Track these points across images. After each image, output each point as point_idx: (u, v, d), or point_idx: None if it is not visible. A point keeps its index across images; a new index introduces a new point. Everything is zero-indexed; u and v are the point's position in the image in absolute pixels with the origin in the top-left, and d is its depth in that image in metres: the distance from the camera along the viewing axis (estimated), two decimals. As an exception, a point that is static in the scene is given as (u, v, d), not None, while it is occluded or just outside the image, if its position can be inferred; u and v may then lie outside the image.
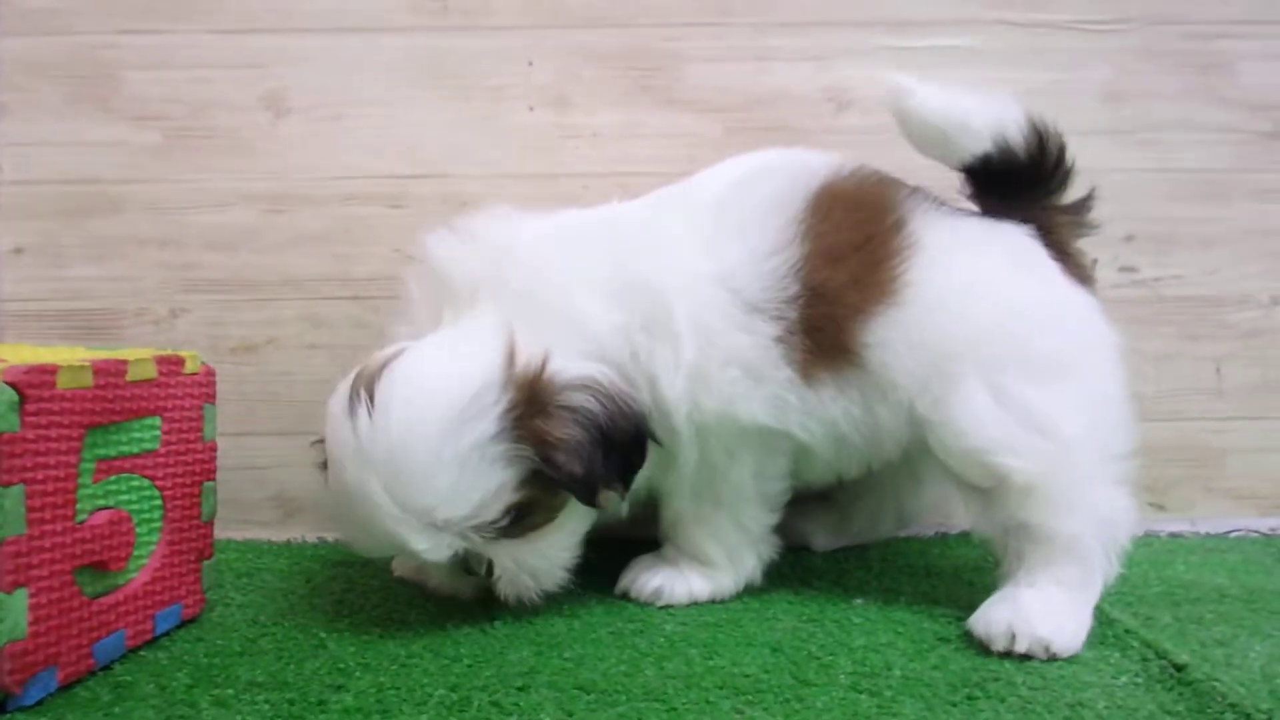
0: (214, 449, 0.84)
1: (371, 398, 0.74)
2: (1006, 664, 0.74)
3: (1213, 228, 1.19)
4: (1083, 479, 0.81)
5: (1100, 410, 0.83)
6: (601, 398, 0.77)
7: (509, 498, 0.75)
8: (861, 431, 0.87)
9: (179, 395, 0.79)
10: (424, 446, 0.72)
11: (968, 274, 0.85)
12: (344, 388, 0.77)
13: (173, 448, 0.78)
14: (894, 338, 0.84)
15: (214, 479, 0.84)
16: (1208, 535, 1.18)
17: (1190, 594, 0.93)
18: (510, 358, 0.76)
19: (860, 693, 0.68)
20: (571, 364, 0.78)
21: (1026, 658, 0.76)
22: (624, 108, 1.16)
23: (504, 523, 0.76)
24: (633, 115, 1.16)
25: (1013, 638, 0.76)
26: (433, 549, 0.74)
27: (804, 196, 0.87)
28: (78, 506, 0.69)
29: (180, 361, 0.80)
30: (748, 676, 0.71)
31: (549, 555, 0.82)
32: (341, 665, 0.73)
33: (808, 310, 0.84)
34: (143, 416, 0.75)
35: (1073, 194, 0.95)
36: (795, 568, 1.01)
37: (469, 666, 0.73)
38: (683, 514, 0.91)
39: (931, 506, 1.14)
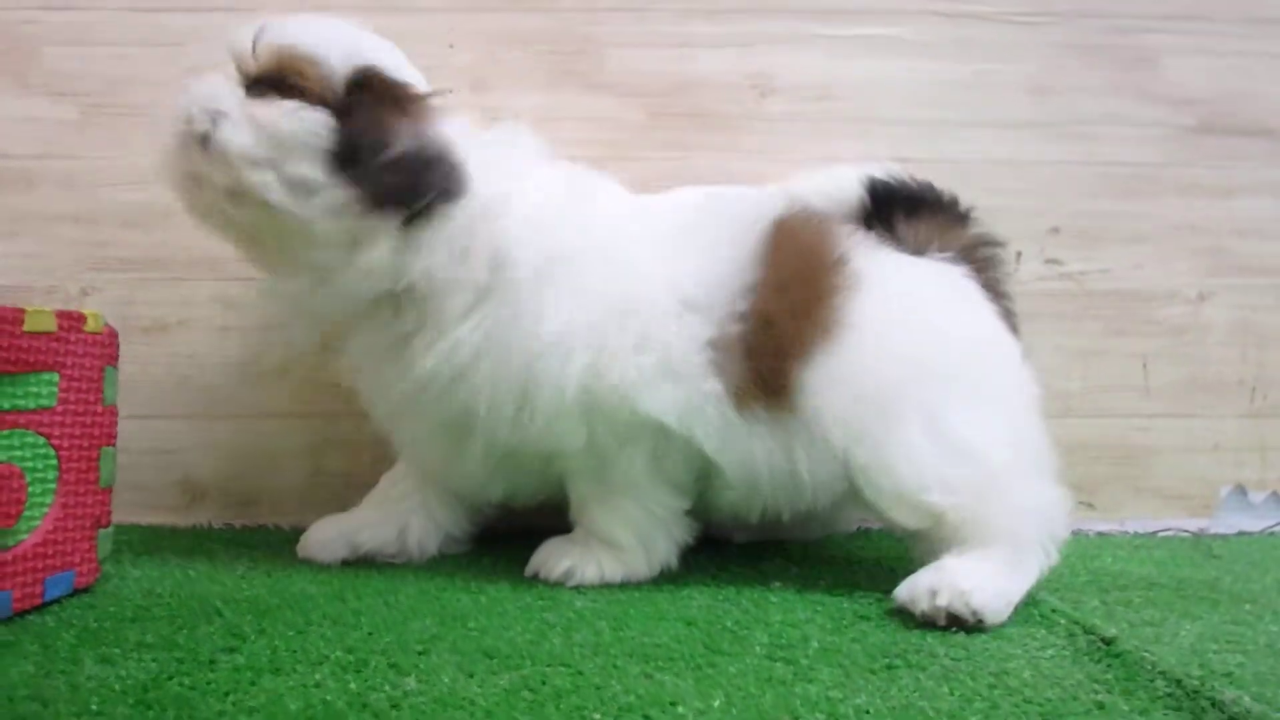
0: (114, 413, 0.85)
1: None
2: (929, 637, 0.77)
3: (1140, 222, 1.25)
4: (1012, 496, 0.85)
5: (1024, 436, 0.89)
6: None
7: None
8: (777, 478, 0.90)
9: (79, 353, 0.80)
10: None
11: (905, 311, 0.90)
12: None
13: (70, 407, 0.79)
14: (833, 376, 0.87)
15: (114, 444, 0.85)
16: (1135, 534, 1.22)
17: (1118, 582, 0.97)
18: None
19: (776, 661, 0.70)
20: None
21: (949, 630, 0.78)
22: (546, 91, 1.20)
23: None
24: (554, 99, 1.20)
25: (934, 594, 0.79)
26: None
27: (763, 227, 0.91)
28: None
29: (81, 319, 0.81)
30: (659, 646, 0.73)
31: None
32: (236, 630, 0.74)
33: (753, 335, 0.88)
34: (39, 371, 0.76)
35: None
36: (713, 556, 1.03)
37: (369, 634, 0.74)
38: (586, 496, 0.93)
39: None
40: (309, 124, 0.82)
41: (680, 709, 0.60)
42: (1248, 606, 0.88)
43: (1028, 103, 1.23)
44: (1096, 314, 1.24)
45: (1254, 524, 1.24)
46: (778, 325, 0.88)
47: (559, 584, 0.92)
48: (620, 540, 0.93)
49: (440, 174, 0.84)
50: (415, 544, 1.00)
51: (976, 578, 0.80)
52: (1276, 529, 1.24)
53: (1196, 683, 0.65)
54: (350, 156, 0.82)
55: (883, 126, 1.22)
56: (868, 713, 0.59)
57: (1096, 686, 0.66)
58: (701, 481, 0.93)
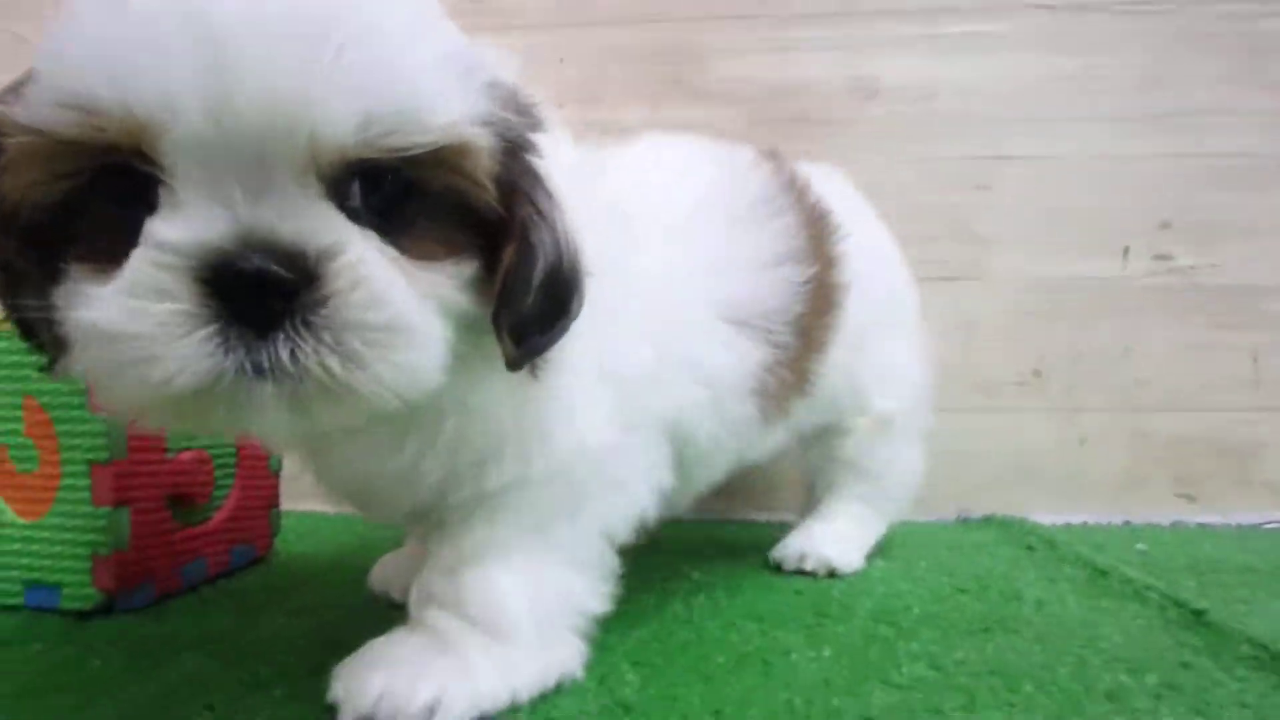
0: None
1: None
2: (1025, 608, 0.87)
3: (1252, 215, 1.30)
4: (916, 423, 1.09)
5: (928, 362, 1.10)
6: (566, 235, 0.57)
7: (459, 120, 0.51)
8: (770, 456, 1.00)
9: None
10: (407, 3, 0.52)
11: (872, 257, 1.01)
12: None
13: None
14: (838, 350, 0.95)
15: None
16: (1239, 526, 1.28)
17: (1216, 567, 1.05)
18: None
19: (880, 624, 0.82)
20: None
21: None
22: (651, 102, 1.33)
23: (432, 137, 0.49)
24: (659, 109, 1.32)
25: (802, 558, 1.01)
26: (336, 114, 0.46)
27: (786, 201, 0.91)
28: (167, 443, 0.86)
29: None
30: (772, 610, 0.86)
31: (425, 309, 0.52)
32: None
33: (795, 343, 0.88)
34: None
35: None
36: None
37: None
38: (472, 549, 0.67)
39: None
40: (469, 280, 0.56)
41: (794, 656, 0.71)
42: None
43: (1136, 95, 1.29)
44: (1205, 308, 1.30)
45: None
46: (808, 325, 0.89)
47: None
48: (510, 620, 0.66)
49: (581, 294, 0.59)
50: None
51: (838, 546, 1.02)
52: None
53: None
54: (501, 294, 0.56)
55: (985, 125, 1.30)
56: (964, 663, 0.70)
57: (1184, 650, 0.75)
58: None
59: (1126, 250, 1.30)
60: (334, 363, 0.47)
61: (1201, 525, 1.28)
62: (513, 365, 0.58)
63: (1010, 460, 1.33)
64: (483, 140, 0.52)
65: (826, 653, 0.73)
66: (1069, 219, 1.30)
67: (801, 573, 1.00)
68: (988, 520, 1.29)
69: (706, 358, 0.79)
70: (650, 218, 0.79)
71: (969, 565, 1.04)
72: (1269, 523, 1.29)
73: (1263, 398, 1.30)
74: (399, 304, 0.50)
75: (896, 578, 0.98)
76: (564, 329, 0.59)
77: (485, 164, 0.52)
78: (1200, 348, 1.31)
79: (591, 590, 0.70)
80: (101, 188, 0.48)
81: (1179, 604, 0.86)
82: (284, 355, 0.47)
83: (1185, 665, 0.71)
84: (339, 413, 0.50)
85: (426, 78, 0.49)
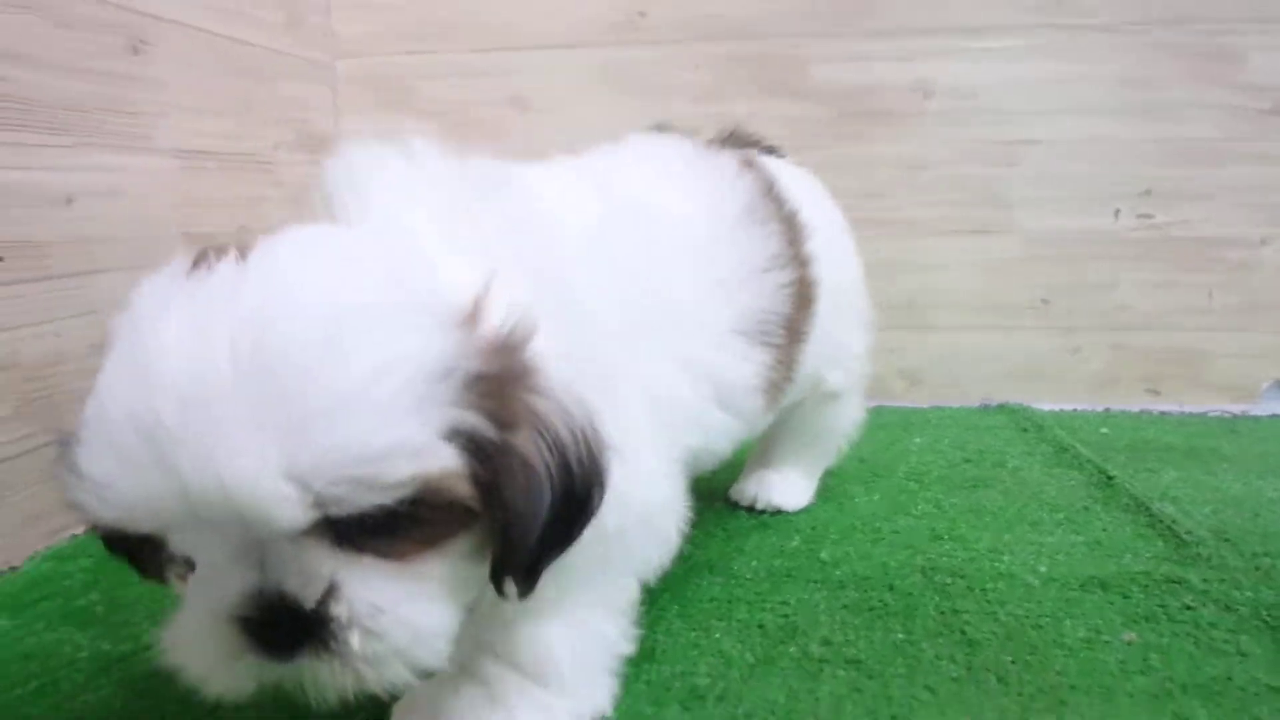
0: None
1: (246, 253, 0.53)
2: (1005, 473, 1.39)
3: (1211, 185, 1.74)
4: (858, 385, 1.22)
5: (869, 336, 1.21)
6: (576, 429, 0.57)
7: (424, 466, 0.50)
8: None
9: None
10: (333, 327, 0.50)
11: (831, 243, 1.06)
12: (173, 264, 0.55)
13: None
14: (815, 337, 1.02)
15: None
16: (1188, 414, 1.77)
17: (1145, 446, 1.53)
18: (485, 295, 0.57)
19: (910, 481, 1.35)
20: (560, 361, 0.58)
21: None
22: (759, 99, 1.79)
23: (390, 502, 0.50)
24: (765, 104, 1.79)
25: (755, 500, 1.22)
26: (285, 500, 0.48)
27: (771, 210, 0.97)
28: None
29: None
30: (829, 472, 1.38)
31: (426, 602, 0.56)
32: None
33: (789, 341, 0.96)
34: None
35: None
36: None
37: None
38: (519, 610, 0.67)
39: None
40: (473, 546, 0.58)
41: (857, 499, 1.26)
42: (1225, 465, 1.44)
43: (1124, 92, 1.72)
44: (1174, 255, 1.76)
45: (1288, 410, 1.77)
46: (794, 323, 0.96)
47: None
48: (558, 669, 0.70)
49: (602, 485, 0.59)
50: None
51: (787, 493, 1.23)
52: (1311, 415, 1.76)
53: (1156, 505, 1.23)
54: (504, 552, 0.58)
55: (1015, 116, 1.75)
56: (955, 505, 1.24)
57: (1088, 498, 1.27)
58: None
59: (1117, 211, 1.76)
60: (349, 680, 0.53)
61: (1162, 413, 1.78)
62: (526, 595, 0.59)
63: (1022, 363, 1.83)
64: (453, 464, 0.51)
65: (876, 497, 1.27)
66: (1073, 186, 1.76)
67: (752, 510, 1.22)
68: (1001, 407, 1.80)
69: (729, 374, 0.85)
70: (667, 238, 0.83)
71: (977, 441, 1.56)
72: (1211, 411, 1.78)
73: (1214, 322, 1.78)
74: (399, 623, 0.53)
75: (926, 450, 1.51)
76: (582, 530, 0.59)
77: (460, 487, 0.52)
78: (1169, 284, 1.78)
79: (624, 634, 0.74)
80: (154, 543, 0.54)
81: (1101, 470, 1.37)
82: (306, 677, 0.53)
83: (1085, 508, 1.23)
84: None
85: (378, 435, 0.48)
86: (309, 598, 0.52)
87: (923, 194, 1.79)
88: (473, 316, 0.55)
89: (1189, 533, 1.11)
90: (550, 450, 0.55)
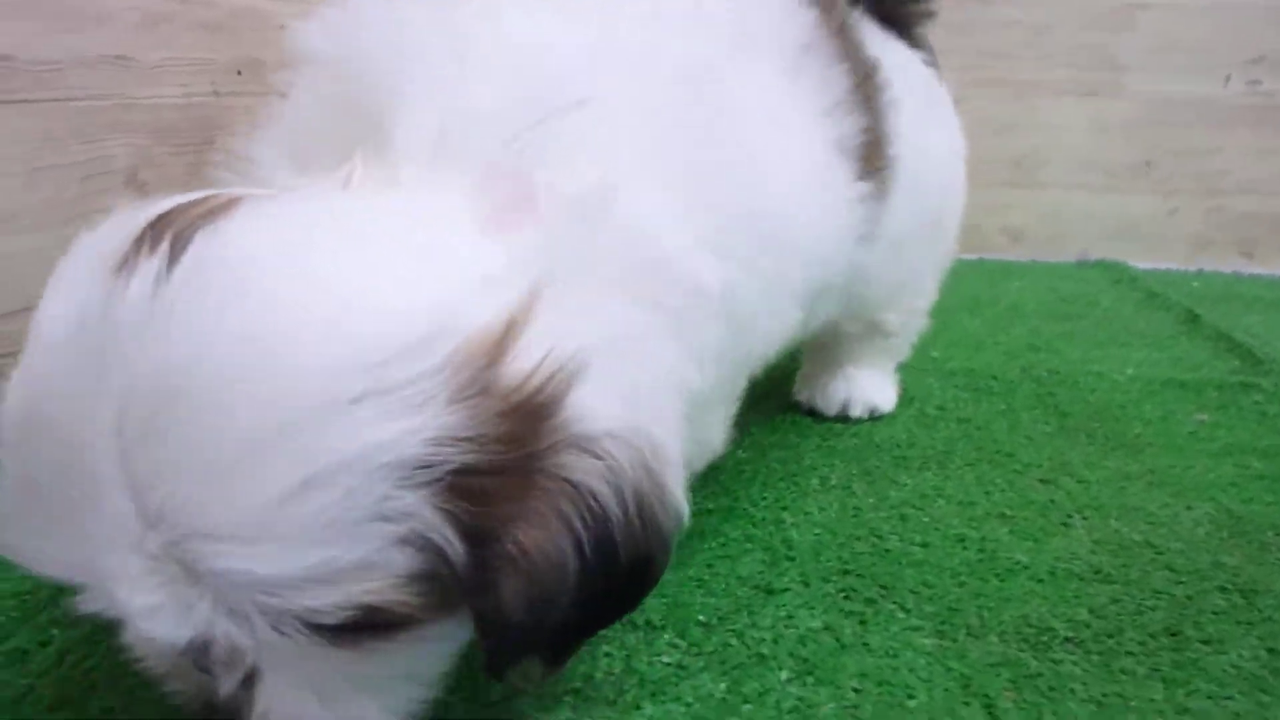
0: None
1: (179, 255, 0.39)
2: (1095, 311, 1.53)
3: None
4: (927, 301, 1.05)
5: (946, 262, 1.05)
6: (627, 490, 0.44)
7: (368, 589, 0.39)
8: None
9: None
10: (261, 415, 0.37)
11: (927, 155, 0.90)
12: (114, 234, 0.41)
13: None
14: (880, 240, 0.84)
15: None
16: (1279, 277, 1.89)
17: (1236, 297, 1.66)
18: (510, 327, 0.41)
19: (1014, 314, 1.51)
20: (609, 395, 0.44)
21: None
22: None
23: (329, 619, 0.39)
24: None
25: (847, 404, 1.03)
26: (163, 612, 0.39)
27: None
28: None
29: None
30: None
31: (370, 697, 0.44)
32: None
33: None
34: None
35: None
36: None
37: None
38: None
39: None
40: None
41: (961, 322, 1.42)
42: None
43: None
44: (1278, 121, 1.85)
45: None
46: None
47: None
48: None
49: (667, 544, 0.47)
50: None
51: (881, 393, 1.05)
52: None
53: (1238, 335, 1.37)
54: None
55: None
56: (1052, 329, 1.39)
57: (1174, 330, 1.42)
58: None
59: (1227, 78, 1.84)
60: None
61: (1253, 275, 1.89)
62: (555, 672, 0.49)
63: (1121, 222, 1.94)
64: (408, 575, 0.39)
65: (978, 321, 1.44)
66: (1185, 52, 1.84)
67: (845, 419, 1.03)
68: (1098, 263, 1.92)
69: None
70: (765, 45, 0.70)
71: (1072, 288, 1.70)
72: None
73: (1316, 188, 1.88)
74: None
75: (1025, 291, 1.66)
76: (636, 603, 0.48)
77: (415, 602, 0.40)
78: (1271, 152, 1.86)
79: None
80: None
81: (1189, 310, 1.51)
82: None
83: (1170, 336, 1.38)
84: None
85: (291, 560, 0.37)
86: (227, 679, 0.42)
87: (1043, 57, 1.89)
88: (497, 349, 0.40)
89: (1267, 356, 1.25)
90: (586, 520, 0.42)
